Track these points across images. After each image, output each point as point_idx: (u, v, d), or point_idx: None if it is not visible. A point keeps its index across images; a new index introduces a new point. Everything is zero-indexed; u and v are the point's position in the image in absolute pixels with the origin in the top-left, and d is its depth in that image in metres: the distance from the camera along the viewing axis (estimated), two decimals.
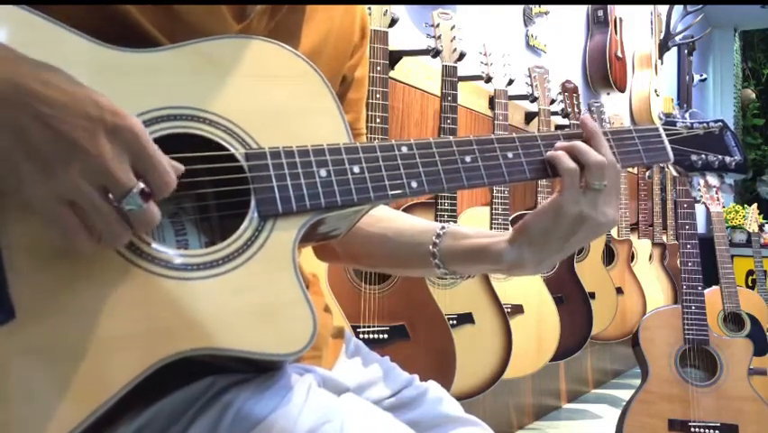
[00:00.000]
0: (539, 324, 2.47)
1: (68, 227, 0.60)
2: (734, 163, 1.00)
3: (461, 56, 2.14)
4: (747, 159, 1.01)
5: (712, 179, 1.01)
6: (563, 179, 0.82)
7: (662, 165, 1.01)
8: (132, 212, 0.60)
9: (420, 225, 0.95)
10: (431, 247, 0.90)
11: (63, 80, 0.60)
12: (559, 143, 0.85)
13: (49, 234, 0.61)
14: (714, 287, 2.81)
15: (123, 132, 0.60)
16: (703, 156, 0.99)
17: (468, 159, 0.82)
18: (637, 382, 2.19)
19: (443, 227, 0.92)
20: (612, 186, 0.83)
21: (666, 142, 0.96)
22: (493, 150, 0.83)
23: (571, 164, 0.82)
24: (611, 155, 0.84)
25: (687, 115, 1.04)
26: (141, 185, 0.60)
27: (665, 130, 0.97)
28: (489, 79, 2.46)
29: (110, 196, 0.60)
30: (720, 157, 1.00)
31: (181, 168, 0.65)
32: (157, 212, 0.62)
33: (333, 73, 0.88)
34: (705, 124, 1.02)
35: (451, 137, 0.82)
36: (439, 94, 2.11)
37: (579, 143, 0.84)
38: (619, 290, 3.29)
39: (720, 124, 1.03)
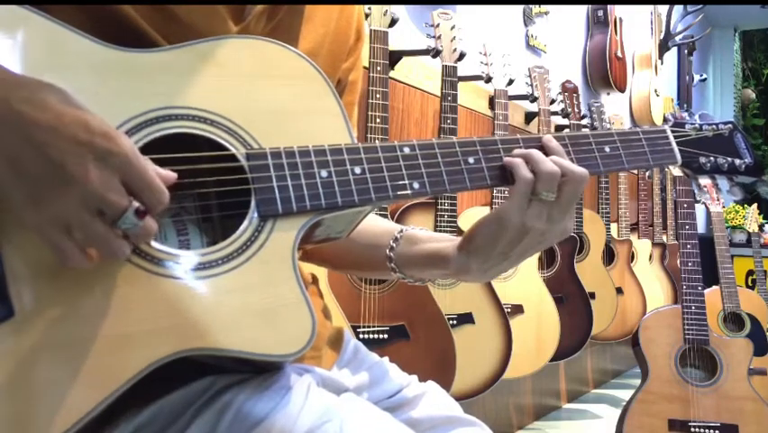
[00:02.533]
0: (539, 324, 2.47)
1: (64, 251, 0.60)
2: (744, 165, 0.98)
3: (461, 56, 2.14)
4: (759, 161, 1.00)
5: (722, 182, 0.99)
6: (516, 187, 0.79)
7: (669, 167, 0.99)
8: (128, 230, 0.61)
9: (380, 227, 0.94)
10: (387, 251, 0.90)
11: (54, 101, 0.59)
12: (517, 150, 0.82)
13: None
14: (714, 287, 2.81)
15: (113, 156, 0.59)
16: (712, 158, 0.97)
17: (471, 160, 0.81)
18: (637, 382, 2.20)
19: (401, 231, 0.92)
20: (566, 199, 0.80)
21: (674, 144, 0.95)
22: (497, 151, 0.83)
23: (528, 174, 0.79)
24: (571, 167, 0.80)
25: (696, 116, 1.03)
26: (136, 204, 0.60)
27: (673, 132, 0.96)
28: (489, 79, 2.46)
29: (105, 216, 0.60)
30: (730, 159, 0.98)
31: (174, 176, 0.65)
32: (154, 225, 0.62)
33: (329, 75, 0.88)
34: (714, 126, 1.00)
35: (454, 138, 0.82)
36: (439, 94, 2.11)
37: (534, 152, 0.81)
38: (619, 290, 3.29)
39: (730, 125, 1.01)
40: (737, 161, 0.98)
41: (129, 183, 0.61)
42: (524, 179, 0.79)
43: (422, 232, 0.92)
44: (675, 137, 0.96)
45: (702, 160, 0.97)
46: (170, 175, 0.64)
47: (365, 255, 0.93)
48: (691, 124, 0.99)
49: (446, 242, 0.87)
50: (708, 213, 2.92)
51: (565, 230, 0.82)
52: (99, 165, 0.59)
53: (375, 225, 0.95)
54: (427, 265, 0.88)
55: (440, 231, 2.02)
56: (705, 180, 1.00)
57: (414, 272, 0.90)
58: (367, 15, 1.83)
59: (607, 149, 0.89)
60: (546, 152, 0.82)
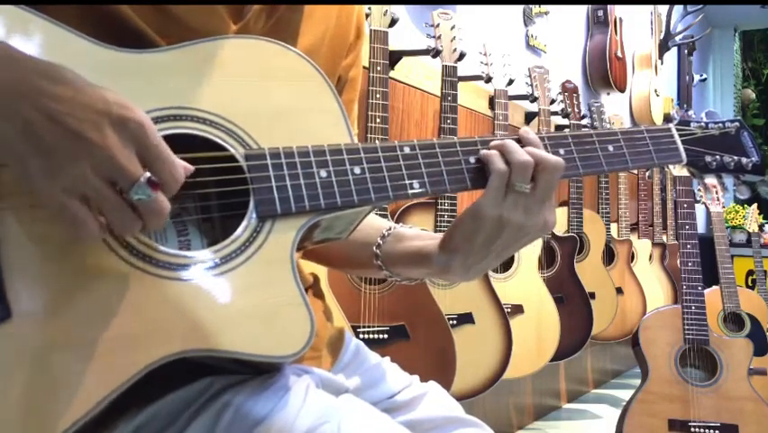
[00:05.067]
0: (539, 324, 2.47)
1: (77, 217, 0.59)
2: (750, 164, 0.97)
3: (461, 56, 2.14)
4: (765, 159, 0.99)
5: (728, 181, 0.99)
6: (491, 180, 0.78)
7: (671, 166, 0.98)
8: (141, 202, 0.60)
9: (372, 223, 0.93)
10: (374, 249, 0.89)
11: (70, 77, 0.60)
12: (493, 142, 0.81)
13: (58, 225, 0.61)
14: (714, 287, 2.81)
15: (129, 123, 0.60)
16: (718, 157, 0.96)
17: (472, 159, 0.80)
18: (637, 382, 2.19)
19: (389, 228, 0.91)
20: (542, 189, 0.79)
21: (679, 143, 0.94)
22: None
23: (503, 166, 0.78)
24: (545, 156, 0.79)
25: (703, 114, 1.02)
26: (148, 174, 0.61)
27: (678, 130, 0.95)
28: (489, 79, 2.46)
29: (118, 188, 0.60)
30: (736, 158, 0.96)
31: (191, 168, 0.65)
32: (166, 202, 0.62)
33: (329, 73, 0.88)
34: (720, 124, 0.99)
35: (455, 138, 0.81)
36: (439, 94, 2.11)
37: (509, 142, 0.80)
38: (619, 290, 3.29)
39: (737, 123, 1.00)
40: (744, 160, 0.97)
41: (143, 154, 0.61)
42: (498, 171, 0.78)
43: (410, 230, 0.91)
44: (680, 135, 0.94)
45: (708, 158, 0.96)
46: (188, 167, 0.64)
47: (356, 253, 0.93)
48: (697, 122, 0.97)
49: (430, 240, 0.86)
50: (708, 213, 2.92)
51: (546, 224, 0.80)
52: (116, 130, 0.59)
53: (368, 222, 0.94)
54: (411, 264, 0.88)
55: (440, 231, 2.01)
56: (711, 179, 0.99)
57: (400, 271, 0.90)
58: (367, 15, 1.82)
59: (610, 148, 0.88)
60: (523, 144, 0.81)
